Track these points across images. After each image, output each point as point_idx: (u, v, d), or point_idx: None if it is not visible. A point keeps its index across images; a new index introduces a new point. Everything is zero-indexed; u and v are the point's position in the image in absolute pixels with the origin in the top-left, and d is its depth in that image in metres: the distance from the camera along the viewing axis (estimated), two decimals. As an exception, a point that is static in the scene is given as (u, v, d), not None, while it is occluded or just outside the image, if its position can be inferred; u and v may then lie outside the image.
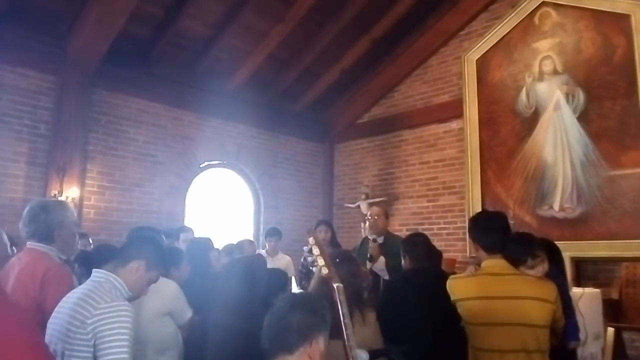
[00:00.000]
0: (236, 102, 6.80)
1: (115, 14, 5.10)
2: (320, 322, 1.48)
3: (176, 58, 6.25)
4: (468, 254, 6.08)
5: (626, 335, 4.75)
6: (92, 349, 1.67)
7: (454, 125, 6.69)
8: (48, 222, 2.21)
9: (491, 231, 2.41)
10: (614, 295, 4.73)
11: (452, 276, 2.53)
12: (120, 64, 5.75)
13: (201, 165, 6.69)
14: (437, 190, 6.81)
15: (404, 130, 7.32)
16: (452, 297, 2.41)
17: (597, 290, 4.22)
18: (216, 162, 6.89)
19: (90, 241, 4.51)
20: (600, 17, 5.41)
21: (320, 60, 6.92)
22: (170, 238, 4.18)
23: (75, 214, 2.18)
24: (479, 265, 2.45)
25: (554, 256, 2.70)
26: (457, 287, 2.43)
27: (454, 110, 6.59)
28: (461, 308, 2.37)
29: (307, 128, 7.92)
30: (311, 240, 1.94)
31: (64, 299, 1.84)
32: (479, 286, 2.35)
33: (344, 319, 1.75)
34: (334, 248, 4.08)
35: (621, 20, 5.27)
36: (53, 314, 1.82)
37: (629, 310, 4.60)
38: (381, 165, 7.55)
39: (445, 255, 5.37)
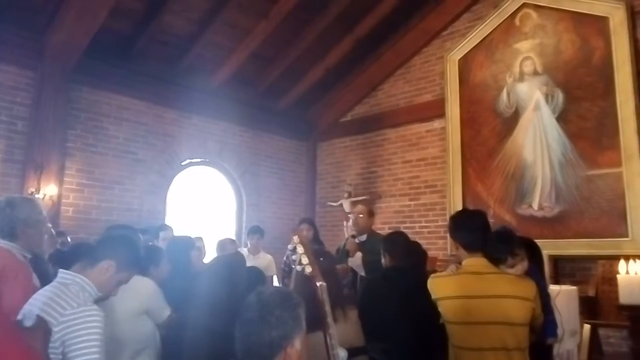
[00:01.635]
0: (219, 99, 6.76)
1: (95, 8, 5.02)
2: (294, 327, 1.45)
3: (158, 54, 6.18)
4: (449, 252, 6.14)
5: (602, 332, 4.84)
6: (60, 358, 1.60)
7: (436, 124, 6.74)
8: (12, 218, 2.14)
9: (471, 230, 2.41)
10: (591, 292, 4.82)
11: (432, 275, 2.52)
12: (100, 59, 5.67)
13: (183, 163, 6.63)
14: (419, 189, 6.86)
15: (387, 129, 7.36)
16: (433, 296, 2.40)
17: (574, 287, 4.28)
18: (198, 160, 6.84)
19: (69, 240, 4.45)
20: (580, 19, 5.51)
21: (304, 59, 6.91)
22: (149, 236, 4.13)
23: (45, 212, 2.12)
24: (460, 263, 2.46)
25: (534, 254, 2.73)
26: (438, 286, 2.42)
27: (436, 109, 6.64)
28: (442, 307, 2.36)
29: (291, 126, 7.91)
30: (295, 238, 1.94)
31: (30, 301, 1.76)
32: (459, 285, 2.35)
33: (326, 318, 1.76)
34: (320, 247, 4.10)
35: (599, 23, 5.36)
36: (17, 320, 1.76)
37: (604, 307, 4.70)
38: (364, 164, 7.58)
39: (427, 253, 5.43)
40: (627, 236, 4.90)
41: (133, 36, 5.89)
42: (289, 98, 7.54)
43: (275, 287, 1.62)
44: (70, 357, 1.59)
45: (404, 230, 4.31)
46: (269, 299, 1.48)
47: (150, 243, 3.87)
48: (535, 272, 2.58)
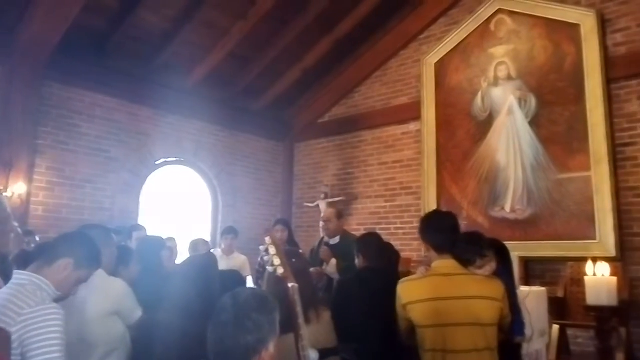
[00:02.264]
0: (195, 98, 6.69)
1: (67, 3, 4.92)
2: (270, 331, 1.44)
3: (133, 51, 6.08)
4: (423, 254, 6.20)
5: (570, 332, 4.96)
6: (19, 359, 1.53)
7: (412, 127, 6.80)
8: None
9: (441, 231, 2.42)
10: (560, 293, 4.92)
11: (402, 280, 2.50)
12: (73, 56, 5.55)
13: (157, 162, 6.53)
14: (394, 191, 6.91)
15: (363, 130, 7.39)
16: (403, 301, 2.37)
17: (543, 288, 4.38)
18: (173, 159, 6.75)
19: (38, 239, 4.33)
20: (552, 26, 5.63)
21: (282, 59, 6.89)
22: (121, 236, 4.06)
23: (10, 209, 2.05)
24: (429, 265, 2.47)
25: (503, 256, 2.77)
26: (408, 290, 2.40)
27: (413, 112, 6.71)
28: (413, 311, 2.34)
29: (268, 126, 7.88)
30: (268, 239, 1.92)
31: None
32: (429, 287, 2.35)
33: (298, 319, 1.75)
34: (292, 247, 4.09)
35: (571, 30, 5.49)
36: None
37: (573, 308, 4.80)
38: (340, 165, 7.60)
39: (401, 254, 5.47)
40: (595, 239, 5.03)
41: (107, 32, 5.78)
42: (267, 98, 7.51)
43: (252, 289, 1.60)
44: (29, 357, 1.53)
45: (380, 232, 4.34)
46: (246, 302, 1.46)
47: (123, 243, 3.80)
48: (503, 272, 2.62)
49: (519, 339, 2.80)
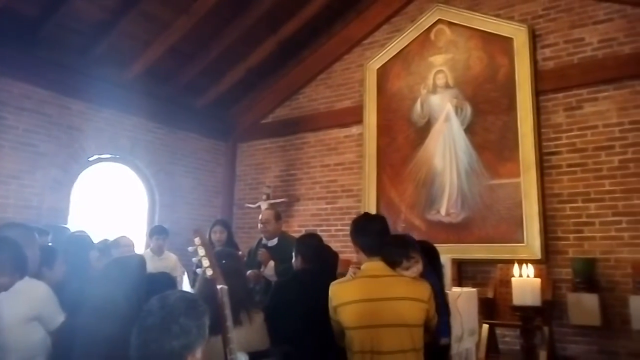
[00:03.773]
0: (132, 93, 6.44)
1: (-7, -14, 4.61)
2: (197, 336, 1.40)
3: (67, 42, 5.78)
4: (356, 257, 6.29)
5: (498, 331, 5.19)
6: None
7: (354, 130, 6.89)
8: None
9: (370, 234, 2.48)
10: (490, 294, 5.14)
11: (332, 283, 2.53)
12: (1, 43, 5.20)
13: (90, 159, 6.23)
14: (335, 193, 6.97)
15: (306, 132, 7.41)
16: (334, 303, 2.40)
17: (474, 289, 4.54)
18: (107, 155, 6.47)
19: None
20: (488, 38, 5.88)
21: (226, 57, 6.78)
22: (46, 236, 3.83)
23: None
24: (359, 268, 2.51)
25: (431, 257, 2.85)
26: (338, 293, 2.42)
27: (355, 116, 6.80)
28: (342, 313, 2.36)
29: (209, 125, 7.73)
30: (197, 240, 1.88)
31: None
32: (358, 289, 2.38)
33: (226, 322, 1.72)
34: (227, 248, 4.02)
35: (505, 43, 5.76)
36: None
37: (501, 308, 5.02)
38: (283, 167, 7.58)
39: (341, 256, 5.49)
40: (522, 242, 5.28)
41: (39, 20, 5.46)
42: (209, 96, 7.37)
43: (181, 292, 1.55)
44: None
45: (320, 234, 4.36)
46: (174, 306, 1.41)
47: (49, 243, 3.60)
48: (431, 274, 2.70)
49: (444, 341, 2.88)
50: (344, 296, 2.39)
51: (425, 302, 2.35)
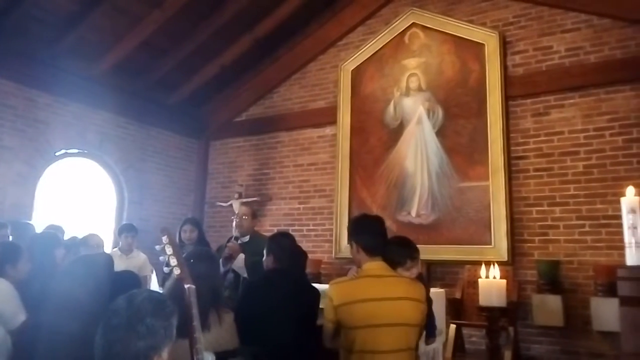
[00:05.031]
0: (102, 87, 6.29)
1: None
2: (164, 337, 1.37)
3: (34, 32, 5.61)
4: (334, 255, 6.33)
5: (465, 331, 5.28)
6: None
7: (328, 131, 6.91)
8: None
9: (374, 234, 2.49)
10: (457, 295, 5.22)
11: (332, 281, 2.52)
12: (-39, 31, 5.03)
13: (57, 154, 6.07)
14: (308, 193, 6.97)
15: (280, 132, 7.39)
16: (335, 303, 2.38)
17: (442, 290, 4.62)
18: (75, 150, 6.31)
19: None
20: (460, 44, 5.98)
21: (200, 54, 6.70)
22: (4, 229, 3.71)
23: None
24: (359, 267, 2.50)
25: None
26: (340, 292, 2.41)
27: (329, 116, 6.82)
28: (344, 312, 2.34)
29: (182, 122, 7.62)
30: (164, 239, 1.86)
31: None
32: (362, 289, 2.38)
33: (193, 322, 1.71)
34: (202, 247, 3.97)
35: (477, 48, 5.87)
36: None
37: (468, 308, 5.11)
38: (256, 165, 7.54)
39: (312, 256, 5.53)
40: (490, 244, 5.40)
41: (4, 10, 5.28)
42: (182, 93, 7.27)
43: (149, 291, 1.52)
44: None
45: (292, 233, 4.35)
46: (141, 306, 1.38)
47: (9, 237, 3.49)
48: (422, 276, 2.76)
49: (431, 341, 2.95)
50: (347, 296, 2.37)
51: (424, 303, 2.41)
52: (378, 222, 2.62)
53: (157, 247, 1.80)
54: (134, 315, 1.36)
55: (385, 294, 2.34)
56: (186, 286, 1.72)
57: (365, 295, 2.34)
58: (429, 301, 2.69)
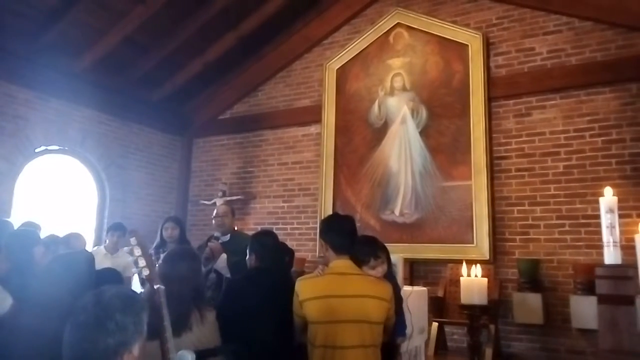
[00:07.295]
0: (84, 83, 6.20)
1: None
2: (134, 333, 1.35)
3: (14, 27, 5.50)
4: (317, 254, 6.32)
5: (447, 329, 5.34)
6: None
7: (313, 129, 6.92)
8: None
9: (342, 233, 2.57)
10: (440, 293, 5.27)
11: (299, 278, 2.61)
12: (-63, 24, 4.91)
13: (37, 150, 5.97)
14: (292, 191, 6.97)
15: (265, 130, 7.37)
16: (300, 298, 2.47)
17: (425, 288, 4.65)
18: (55, 147, 6.21)
19: None
20: (444, 44, 6.03)
21: (184, 50, 6.64)
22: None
23: None
24: (326, 265, 2.56)
25: (389, 260, 2.93)
26: (305, 288, 2.50)
27: (314, 115, 6.82)
28: (307, 307, 2.44)
29: (165, 119, 7.55)
30: (133, 240, 1.86)
31: None
32: (326, 285, 2.46)
33: (163, 322, 1.71)
34: (184, 246, 3.95)
35: (461, 49, 5.92)
36: None
37: (450, 306, 5.16)
38: (240, 164, 7.51)
39: (296, 254, 5.52)
40: (472, 243, 5.46)
41: (-17, 3, 5.19)
42: (165, 90, 7.20)
43: (118, 287, 1.51)
44: None
45: (276, 232, 4.35)
46: (110, 302, 1.35)
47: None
48: (391, 276, 2.80)
49: (400, 340, 2.98)
50: (311, 291, 2.46)
51: (388, 302, 2.46)
52: (347, 221, 2.71)
53: (126, 249, 1.79)
54: (102, 311, 1.33)
55: (347, 292, 2.41)
56: (155, 286, 1.72)
57: (328, 291, 2.42)
58: (398, 299, 2.74)
